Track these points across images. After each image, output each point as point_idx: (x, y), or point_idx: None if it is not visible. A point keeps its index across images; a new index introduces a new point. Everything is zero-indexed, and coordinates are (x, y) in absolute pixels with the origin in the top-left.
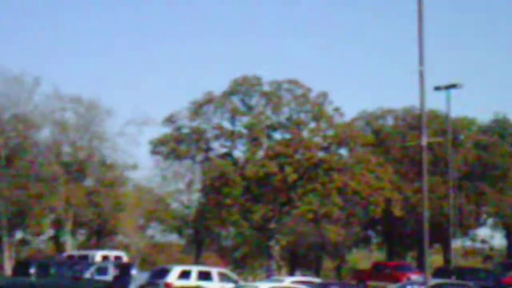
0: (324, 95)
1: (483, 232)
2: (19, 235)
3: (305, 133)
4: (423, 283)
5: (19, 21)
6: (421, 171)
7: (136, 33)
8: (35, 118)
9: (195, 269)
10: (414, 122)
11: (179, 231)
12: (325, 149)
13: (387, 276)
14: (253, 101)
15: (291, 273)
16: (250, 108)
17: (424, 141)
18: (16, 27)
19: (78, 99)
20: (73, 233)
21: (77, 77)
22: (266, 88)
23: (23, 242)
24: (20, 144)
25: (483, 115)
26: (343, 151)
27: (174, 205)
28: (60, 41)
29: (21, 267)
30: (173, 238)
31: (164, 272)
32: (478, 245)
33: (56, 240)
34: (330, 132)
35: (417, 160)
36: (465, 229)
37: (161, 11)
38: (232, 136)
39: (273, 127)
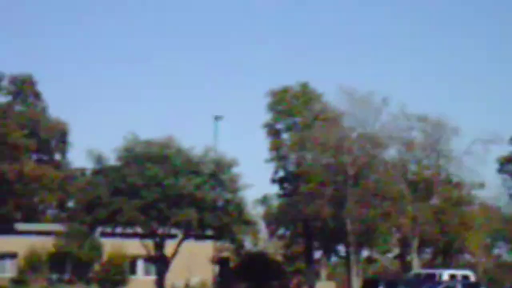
0: None
1: None
2: (365, 253)
3: None
4: None
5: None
6: None
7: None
8: (382, 137)
9: None
10: None
11: None
12: None
13: None
14: None
15: None
16: None
17: None
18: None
19: (425, 117)
20: (419, 252)
21: (424, 96)
22: None
23: (370, 260)
24: (367, 163)
25: None
26: None
27: None
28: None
29: (369, 285)
30: None
31: None
32: None
33: (402, 258)
34: None
35: None
36: None
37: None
38: None
39: None
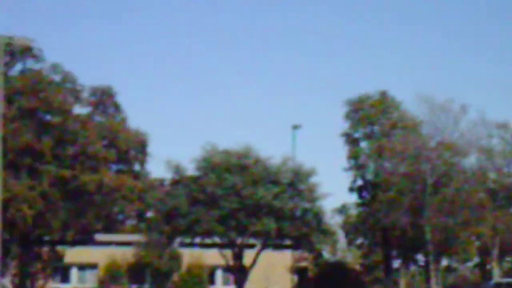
0: None
1: None
2: (445, 262)
3: None
4: None
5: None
6: None
7: None
8: (462, 145)
9: None
10: None
11: None
12: None
13: None
14: None
15: None
16: None
17: None
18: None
19: (504, 125)
20: (500, 260)
21: (503, 103)
22: None
23: (449, 269)
24: (446, 172)
25: None
26: None
27: None
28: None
29: None
30: None
31: None
32: None
33: (482, 267)
34: None
35: None
36: None
37: None
38: None
39: None
